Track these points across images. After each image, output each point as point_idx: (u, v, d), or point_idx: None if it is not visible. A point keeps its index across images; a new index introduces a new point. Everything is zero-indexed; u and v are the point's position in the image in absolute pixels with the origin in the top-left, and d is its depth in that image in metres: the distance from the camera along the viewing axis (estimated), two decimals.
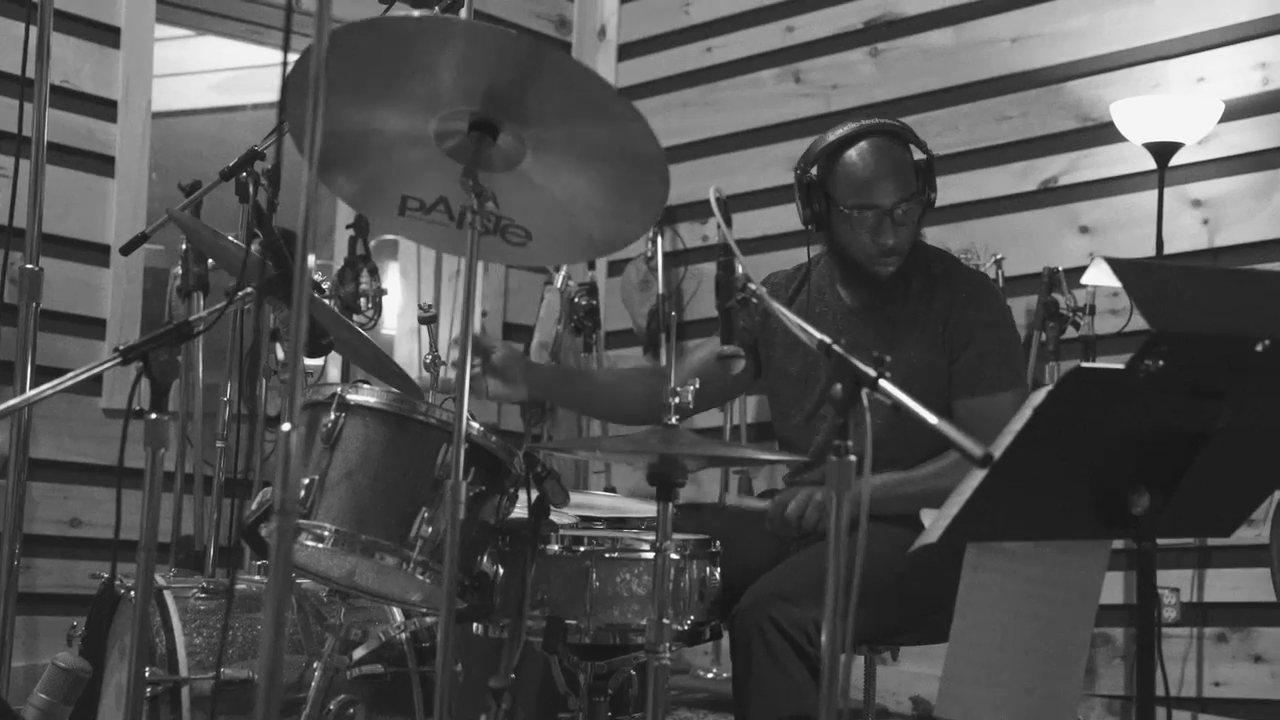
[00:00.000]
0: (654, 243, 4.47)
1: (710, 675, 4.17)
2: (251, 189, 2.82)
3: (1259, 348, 1.61)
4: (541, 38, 4.87)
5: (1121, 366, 1.59)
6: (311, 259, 1.44)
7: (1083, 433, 1.66)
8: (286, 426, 1.38)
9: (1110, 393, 1.63)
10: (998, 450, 1.59)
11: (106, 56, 3.91)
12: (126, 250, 3.04)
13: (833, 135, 2.49)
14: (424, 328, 3.11)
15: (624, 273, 4.63)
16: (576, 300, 4.38)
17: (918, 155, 2.51)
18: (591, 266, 4.56)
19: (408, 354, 4.81)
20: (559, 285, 4.38)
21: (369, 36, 1.90)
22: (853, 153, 2.47)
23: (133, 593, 2.21)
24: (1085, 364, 1.64)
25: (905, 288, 2.53)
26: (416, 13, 2.33)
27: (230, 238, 2.39)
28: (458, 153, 2.02)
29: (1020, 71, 4.02)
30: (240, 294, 2.04)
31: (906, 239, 2.48)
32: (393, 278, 4.93)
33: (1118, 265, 1.59)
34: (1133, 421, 1.66)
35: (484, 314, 4.75)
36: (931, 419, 1.56)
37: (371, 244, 3.98)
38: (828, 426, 2.54)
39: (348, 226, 3.98)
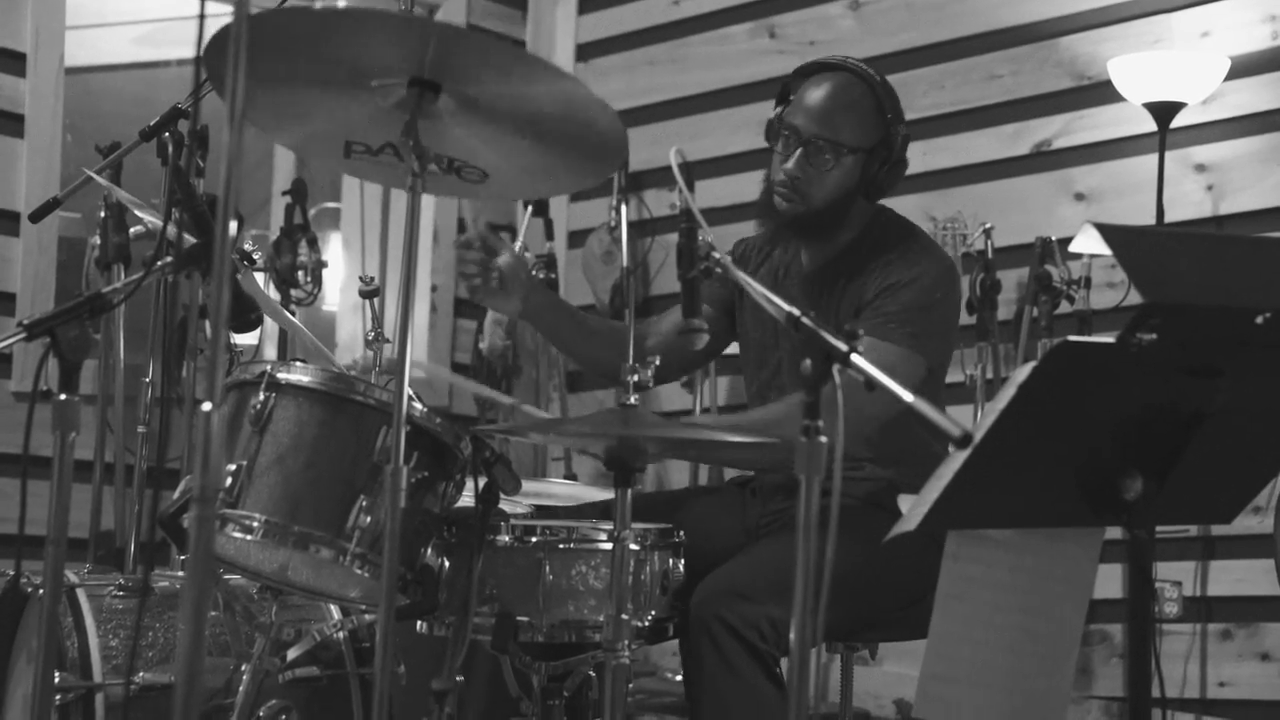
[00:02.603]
0: (617, 211, 4.46)
1: (679, 678, 4.18)
2: (173, 150, 2.79)
3: (1259, 320, 1.62)
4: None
5: (1112, 340, 1.60)
6: (234, 226, 1.44)
7: (1071, 412, 1.67)
8: (207, 406, 1.37)
9: (1100, 369, 1.64)
10: (979, 430, 1.60)
11: (12, 4, 3.86)
12: (37, 217, 3.00)
13: (830, 58, 2.55)
14: (367, 302, 3.10)
15: (585, 244, 4.62)
16: (534, 274, 4.36)
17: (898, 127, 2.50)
18: (550, 237, 4.54)
19: (351, 331, 4.79)
20: None
21: (287, 20, 1.91)
22: (820, 75, 2.51)
23: (40, 591, 2.19)
24: (1073, 338, 1.65)
25: (856, 256, 2.54)
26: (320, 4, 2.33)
27: (142, 214, 2.36)
28: (402, 105, 2.01)
29: (1011, 26, 4.03)
30: (158, 264, 2.03)
31: (814, 183, 2.46)
32: (334, 249, 4.90)
33: (1108, 231, 1.59)
34: (1124, 400, 1.67)
35: (434, 289, 4.73)
36: (908, 397, 1.57)
37: (311, 213, 3.96)
38: (776, 397, 2.56)
39: (284, 193, 3.96)
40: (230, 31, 1.39)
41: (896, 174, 2.52)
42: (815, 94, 2.48)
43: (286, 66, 1.93)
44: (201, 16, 1.47)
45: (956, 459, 1.64)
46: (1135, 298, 1.57)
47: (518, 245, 4.35)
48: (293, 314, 3.83)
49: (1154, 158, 3.56)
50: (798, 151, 2.46)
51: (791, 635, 1.62)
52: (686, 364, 2.80)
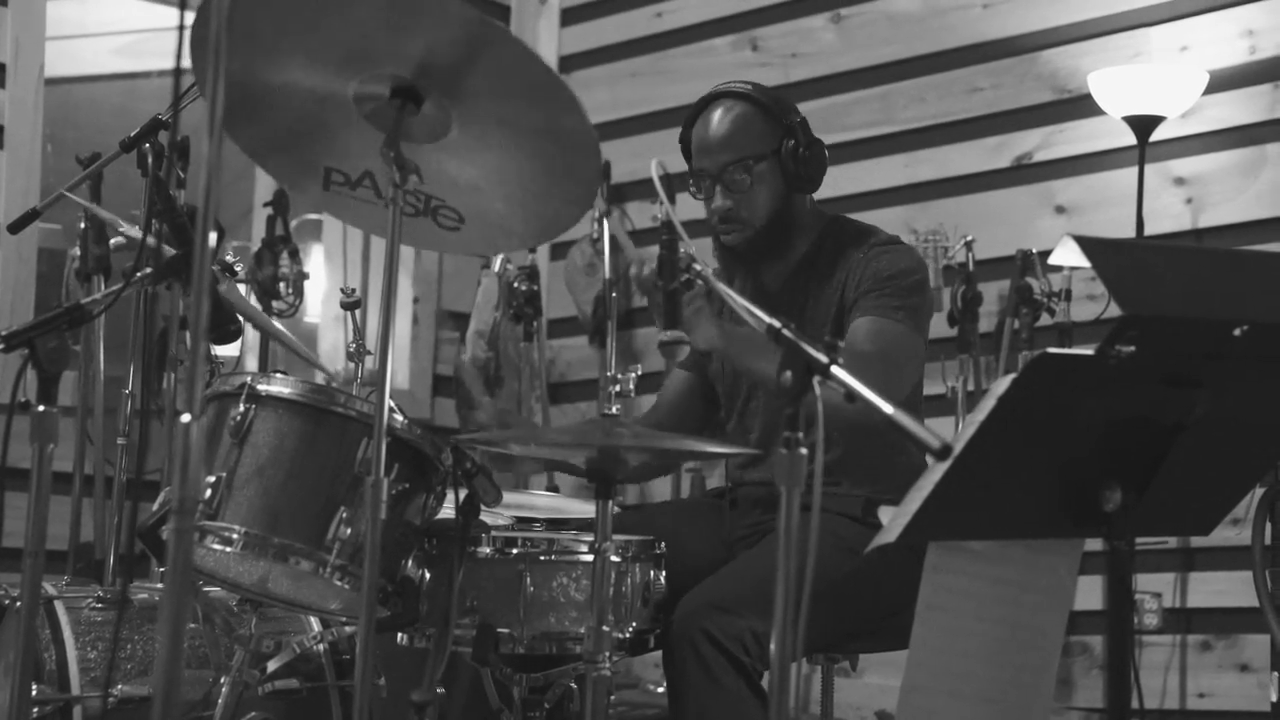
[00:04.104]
0: (600, 224, 4.46)
1: (660, 689, 4.18)
2: (153, 161, 2.79)
3: (1237, 333, 1.63)
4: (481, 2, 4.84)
5: (1091, 352, 1.60)
6: (214, 237, 1.44)
7: (1050, 424, 1.67)
8: (186, 418, 1.37)
9: (1079, 381, 1.64)
10: (959, 442, 1.60)
11: None
12: (16, 228, 2.99)
13: (708, 93, 2.58)
14: (349, 314, 3.10)
15: (568, 256, 4.62)
16: (516, 286, 4.36)
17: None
18: (532, 250, 4.54)
19: (332, 343, 4.78)
20: (497, 269, 4.36)
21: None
22: (701, 116, 2.56)
23: (18, 603, 2.18)
24: (1052, 350, 1.65)
25: (814, 263, 2.57)
26: None
27: (123, 225, 2.36)
28: (377, 118, 2.01)
29: (992, 40, 4.05)
30: (138, 275, 2.03)
31: (745, 206, 2.52)
32: (316, 261, 4.89)
33: (1087, 244, 1.60)
34: (1103, 412, 1.67)
35: (415, 300, 4.73)
36: (888, 409, 1.57)
37: (293, 224, 3.95)
38: (758, 420, 2.57)
39: (266, 205, 3.95)
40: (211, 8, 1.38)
41: (816, 157, 2.54)
42: (703, 131, 2.54)
43: (274, 40, 1.92)
44: (181, 27, 1.47)
45: (936, 471, 1.64)
46: (1115, 310, 1.58)
47: (499, 258, 4.35)
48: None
49: (1134, 171, 3.59)
50: (716, 188, 2.52)
51: (772, 646, 1.62)
52: (696, 423, 2.78)
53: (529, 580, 2.16)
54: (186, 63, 1.52)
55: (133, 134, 2.79)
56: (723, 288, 1.91)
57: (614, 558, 2.13)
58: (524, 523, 2.42)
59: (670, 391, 2.78)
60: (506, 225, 2.19)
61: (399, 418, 2.13)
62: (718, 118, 2.52)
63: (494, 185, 2.08)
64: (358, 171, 2.09)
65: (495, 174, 2.06)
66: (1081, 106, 3.80)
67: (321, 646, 2.49)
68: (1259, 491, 3.18)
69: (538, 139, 2.00)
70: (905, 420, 1.55)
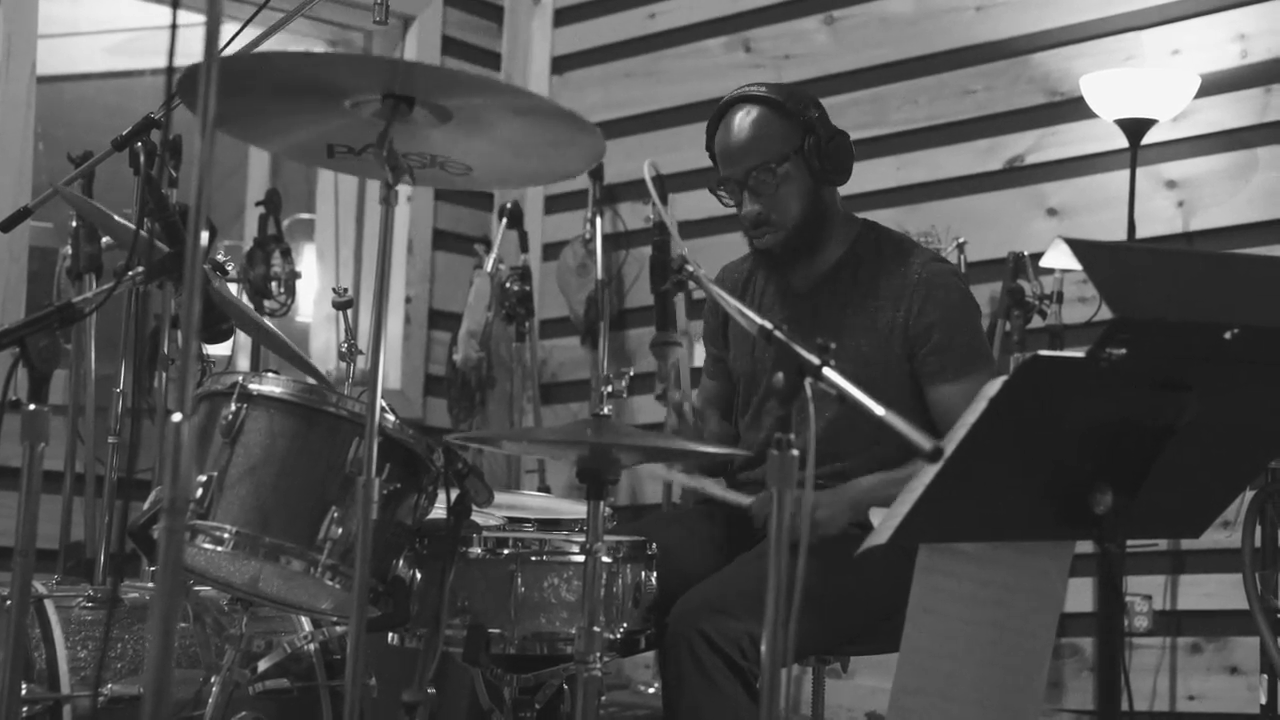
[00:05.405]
0: (592, 224, 4.46)
1: (651, 690, 4.18)
2: (145, 160, 2.79)
3: (1227, 336, 1.63)
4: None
5: (1082, 355, 1.60)
6: (206, 236, 1.43)
7: (1041, 426, 1.67)
8: (177, 417, 1.37)
9: (1070, 383, 1.64)
10: (950, 444, 1.60)
11: None
12: (7, 226, 2.98)
13: (725, 98, 2.60)
14: (341, 314, 3.09)
15: (560, 256, 4.62)
16: (508, 286, 4.36)
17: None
18: (525, 249, 4.54)
19: (325, 342, 4.77)
20: (489, 269, 4.36)
21: (256, 63, 1.95)
22: (721, 123, 2.57)
23: (8, 602, 2.18)
24: (1043, 353, 1.66)
25: (853, 271, 2.57)
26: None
27: (118, 218, 2.36)
28: (379, 114, 2.00)
29: (985, 42, 4.05)
30: (130, 274, 2.02)
31: (775, 209, 2.52)
32: (308, 260, 4.89)
33: (1079, 246, 1.60)
34: (1094, 414, 1.68)
35: (408, 300, 4.72)
36: (879, 410, 1.57)
37: (285, 223, 3.95)
38: (771, 420, 2.57)
39: (258, 204, 3.95)
40: (201, 68, 1.39)
41: (840, 148, 2.55)
42: (725, 139, 2.55)
43: (258, 99, 1.95)
44: (174, 26, 1.46)
45: (928, 473, 1.65)
46: (1106, 313, 1.58)
47: (491, 258, 4.35)
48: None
49: (1125, 174, 3.59)
50: (744, 194, 2.52)
51: (763, 647, 1.62)
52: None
53: (520, 581, 2.16)
54: (179, 61, 1.52)
55: (125, 132, 2.78)
56: (716, 289, 1.91)
57: (605, 558, 2.13)
58: (515, 523, 2.42)
59: (715, 403, 2.75)
60: (514, 171, 2.21)
61: (390, 418, 2.13)
62: (737, 123, 2.53)
63: (499, 150, 2.08)
64: (361, 144, 2.08)
65: (499, 145, 2.06)
66: (1073, 109, 3.80)
67: (312, 646, 2.49)
68: (1249, 494, 3.19)
69: (536, 118, 2.00)
70: (896, 422, 1.55)
